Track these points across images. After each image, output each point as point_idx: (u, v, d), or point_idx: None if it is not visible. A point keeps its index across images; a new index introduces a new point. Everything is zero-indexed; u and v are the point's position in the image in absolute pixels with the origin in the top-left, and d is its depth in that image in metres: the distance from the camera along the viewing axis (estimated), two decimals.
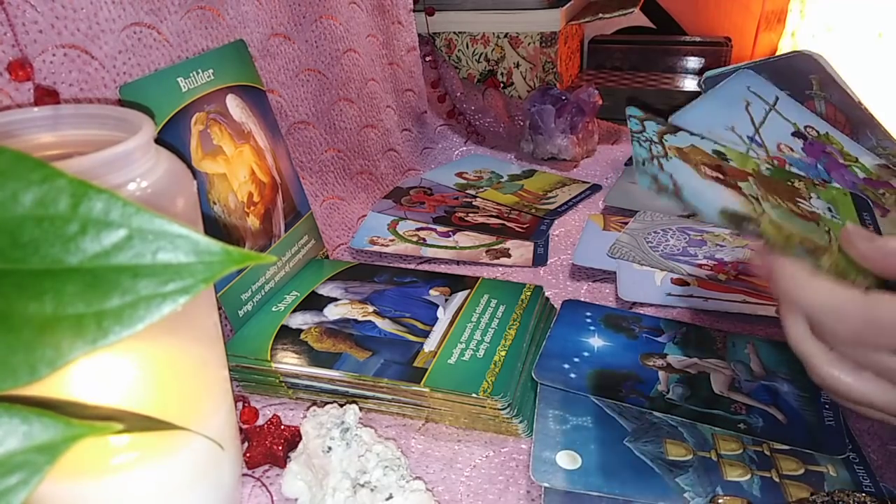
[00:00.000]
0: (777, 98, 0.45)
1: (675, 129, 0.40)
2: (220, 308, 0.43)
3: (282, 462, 0.38)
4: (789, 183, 0.39)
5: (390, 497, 0.33)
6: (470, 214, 0.67)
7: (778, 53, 0.51)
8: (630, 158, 0.79)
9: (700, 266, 0.55)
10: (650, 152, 0.39)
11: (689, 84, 1.04)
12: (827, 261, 0.35)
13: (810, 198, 0.39)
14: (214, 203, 0.44)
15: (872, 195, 0.41)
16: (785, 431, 0.38)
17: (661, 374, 0.43)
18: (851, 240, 0.33)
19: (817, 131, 0.43)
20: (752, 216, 0.36)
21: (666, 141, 0.39)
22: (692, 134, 0.40)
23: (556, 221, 0.66)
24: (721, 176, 0.38)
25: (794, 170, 0.42)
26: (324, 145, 0.65)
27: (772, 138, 0.43)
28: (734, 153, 0.40)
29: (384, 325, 0.46)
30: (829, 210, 0.39)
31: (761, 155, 0.42)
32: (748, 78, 0.46)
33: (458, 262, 0.59)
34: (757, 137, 0.43)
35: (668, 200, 0.39)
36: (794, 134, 0.43)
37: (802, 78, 0.47)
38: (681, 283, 0.54)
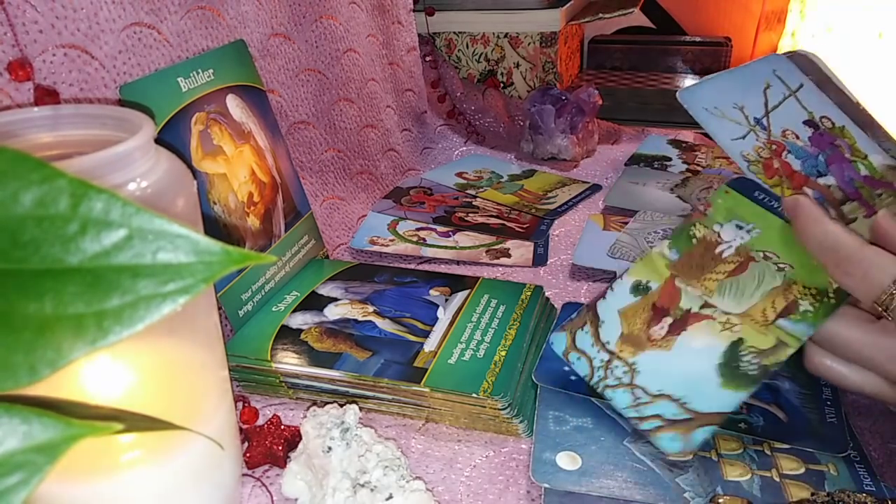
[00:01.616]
0: (801, 85, 0.45)
1: (597, 316, 0.40)
2: (220, 308, 0.43)
3: (282, 462, 0.38)
4: (694, 239, 0.39)
5: (390, 497, 0.33)
6: (470, 214, 0.67)
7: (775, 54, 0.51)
8: (630, 158, 0.79)
9: None
10: (630, 394, 0.37)
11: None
12: (802, 297, 0.36)
13: (717, 234, 0.39)
14: (214, 203, 0.44)
15: (866, 194, 0.41)
16: (786, 430, 0.38)
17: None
18: (815, 217, 0.35)
19: (833, 123, 0.43)
20: (735, 347, 0.36)
21: (605, 340, 0.39)
22: (607, 295, 0.40)
23: (556, 221, 0.66)
24: (669, 320, 0.38)
25: (789, 158, 0.41)
26: (324, 145, 0.65)
27: (780, 124, 0.43)
28: (642, 269, 0.40)
29: (384, 325, 0.46)
30: (739, 227, 0.39)
31: (761, 137, 0.42)
32: (778, 62, 0.46)
33: (458, 262, 0.59)
34: (764, 120, 0.42)
35: (706, 437, 0.36)
36: (806, 122, 0.43)
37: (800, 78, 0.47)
38: None
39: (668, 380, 0.37)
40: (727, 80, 0.45)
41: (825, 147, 0.41)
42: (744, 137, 0.42)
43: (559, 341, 0.40)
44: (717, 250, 0.39)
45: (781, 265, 0.37)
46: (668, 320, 0.38)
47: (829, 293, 0.36)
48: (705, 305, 0.38)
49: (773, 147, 0.41)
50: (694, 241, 0.39)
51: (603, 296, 0.40)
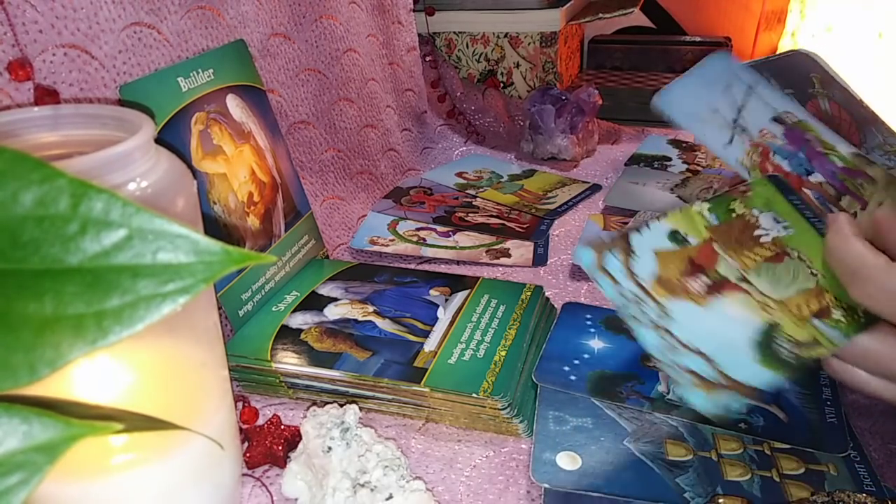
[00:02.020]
0: (756, 81, 0.44)
1: (629, 246, 0.37)
2: (220, 308, 0.43)
3: (282, 462, 0.38)
4: (733, 213, 0.38)
5: (390, 497, 0.33)
6: (470, 214, 0.67)
7: (775, 53, 0.50)
8: (630, 158, 0.79)
9: None
10: (656, 333, 0.35)
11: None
12: (835, 307, 0.34)
13: (756, 217, 0.37)
14: (214, 203, 0.44)
15: (851, 185, 0.40)
16: (786, 430, 0.38)
17: (661, 374, 0.43)
18: (842, 233, 0.33)
19: (795, 118, 0.42)
20: (772, 327, 0.34)
21: (637, 274, 0.36)
22: (642, 231, 0.37)
23: (556, 221, 0.66)
24: (707, 280, 0.36)
25: (776, 159, 0.41)
26: (324, 145, 0.65)
27: (754, 123, 0.42)
28: (680, 220, 0.38)
29: (384, 325, 0.46)
30: (776, 220, 0.37)
31: (745, 140, 0.41)
32: (725, 59, 0.45)
33: (458, 262, 0.59)
34: (740, 121, 0.42)
35: (733, 400, 0.33)
36: (774, 119, 0.42)
37: (803, 77, 0.47)
38: None
39: (702, 336, 0.34)
40: (691, 83, 0.44)
41: (800, 143, 0.41)
42: (731, 142, 0.41)
43: (586, 255, 0.37)
44: (756, 233, 0.37)
45: (814, 271, 0.36)
46: (706, 279, 0.36)
47: (859, 311, 0.34)
48: (743, 280, 0.36)
49: (760, 149, 0.41)
50: (733, 215, 0.38)
51: (637, 229, 0.37)
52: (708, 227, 0.37)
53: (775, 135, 0.41)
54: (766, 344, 0.34)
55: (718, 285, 0.36)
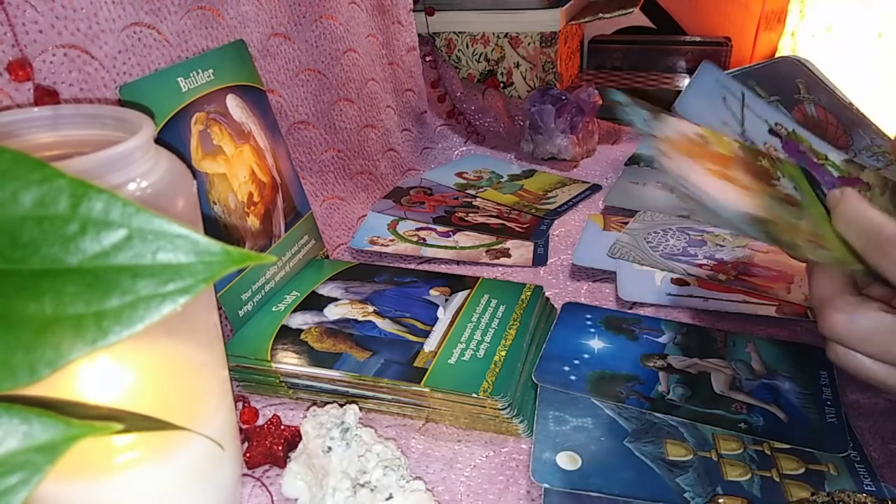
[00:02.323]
0: (744, 94, 0.44)
1: (659, 113, 0.39)
2: (220, 308, 0.43)
3: (282, 462, 0.38)
4: (759, 163, 0.39)
5: (390, 497, 0.33)
6: (470, 214, 0.67)
7: (763, 60, 0.50)
8: (630, 158, 0.79)
9: (700, 266, 0.55)
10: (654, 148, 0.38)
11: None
12: (827, 249, 0.35)
13: (778, 178, 0.39)
14: (214, 203, 0.44)
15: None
16: (786, 430, 0.38)
17: (661, 374, 0.43)
18: (856, 200, 0.34)
19: (787, 129, 0.42)
20: (767, 221, 0.36)
21: (662, 130, 0.39)
22: (677, 116, 0.39)
23: (556, 221, 0.66)
24: (726, 173, 0.38)
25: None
26: (324, 145, 0.65)
27: (758, 137, 0.42)
28: (711, 134, 0.39)
29: (384, 325, 0.46)
30: (795, 189, 0.39)
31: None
32: (712, 71, 0.45)
33: (458, 262, 0.59)
34: (747, 133, 0.42)
35: (685, 207, 0.37)
36: (770, 132, 0.42)
37: (789, 83, 0.46)
38: (681, 283, 0.54)
39: (691, 180, 0.36)
40: (695, 96, 0.44)
41: (797, 155, 0.41)
42: None
43: (620, 96, 0.39)
44: (772, 181, 0.38)
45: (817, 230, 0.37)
46: (715, 168, 0.38)
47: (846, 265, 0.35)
48: (751, 189, 0.37)
49: (746, 140, 0.41)
50: (761, 161, 0.39)
51: (672, 112, 0.40)
52: (733, 151, 0.39)
53: (777, 148, 0.41)
54: (757, 219, 0.35)
55: (725, 176, 0.37)
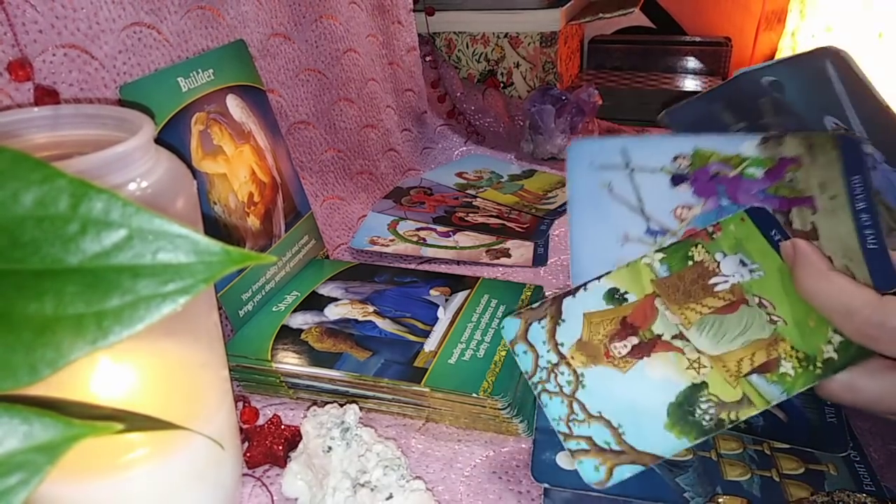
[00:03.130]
0: (624, 148, 0.38)
1: (559, 312, 0.36)
2: (220, 308, 0.43)
3: (282, 462, 0.38)
4: (690, 261, 0.36)
5: (390, 497, 0.33)
6: (470, 214, 0.67)
7: (722, 82, 0.45)
8: None
9: None
10: (562, 402, 0.34)
11: (690, 84, 1.04)
12: (786, 358, 0.33)
13: (719, 265, 0.35)
14: (215, 203, 0.44)
15: (785, 191, 0.37)
16: (786, 430, 0.38)
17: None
18: (816, 269, 0.32)
19: (687, 158, 0.38)
20: (695, 390, 0.33)
21: (560, 344, 0.35)
22: (578, 293, 0.36)
23: (556, 221, 0.66)
24: (634, 341, 0.35)
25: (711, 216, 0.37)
26: (324, 145, 0.65)
27: (662, 209, 0.37)
28: (625, 276, 0.36)
29: (384, 325, 0.46)
30: (743, 263, 0.35)
31: (667, 242, 0.37)
32: (581, 155, 0.39)
33: (458, 262, 0.59)
34: (651, 224, 0.38)
35: (629, 473, 0.33)
36: (673, 181, 0.38)
37: (753, 105, 0.42)
38: None
39: (611, 403, 0.34)
40: (580, 215, 0.39)
41: (711, 190, 0.37)
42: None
43: (511, 327, 0.37)
44: (711, 281, 0.35)
45: (775, 317, 0.34)
46: (634, 340, 0.35)
47: (816, 362, 0.33)
48: (678, 336, 0.35)
49: (672, 240, 0.38)
50: (690, 262, 0.36)
51: (573, 293, 0.37)
52: (654, 280, 0.36)
53: (689, 206, 0.37)
54: (683, 406, 0.33)
55: (647, 346, 0.35)
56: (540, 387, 0.35)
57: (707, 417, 0.33)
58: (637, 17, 1.19)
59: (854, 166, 0.36)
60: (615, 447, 0.33)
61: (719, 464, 0.36)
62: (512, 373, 0.41)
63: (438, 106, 0.87)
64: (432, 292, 0.50)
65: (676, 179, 0.38)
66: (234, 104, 0.48)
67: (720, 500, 0.34)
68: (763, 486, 0.35)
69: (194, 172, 0.43)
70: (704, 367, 0.34)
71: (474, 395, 0.39)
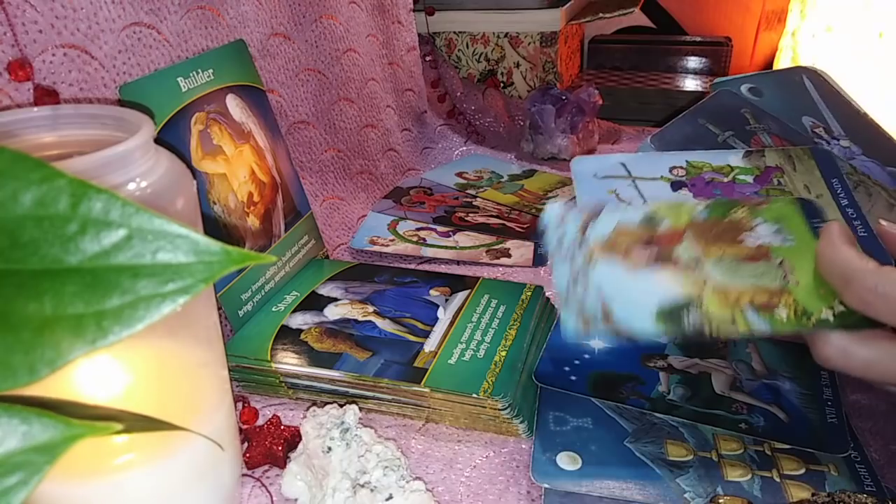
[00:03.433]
0: (624, 164, 0.41)
1: (598, 213, 0.38)
2: (220, 308, 0.43)
3: (282, 462, 0.38)
4: (732, 215, 0.38)
5: (390, 497, 0.33)
6: (470, 214, 0.67)
7: (705, 97, 0.48)
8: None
9: None
10: (571, 268, 0.36)
11: (690, 84, 1.04)
12: (784, 306, 0.34)
13: (754, 227, 0.37)
14: (214, 203, 0.44)
15: (778, 192, 0.39)
16: (787, 430, 0.38)
17: (662, 374, 0.43)
18: (831, 240, 0.33)
19: (682, 169, 0.41)
20: (690, 301, 0.35)
21: (588, 236, 0.37)
22: (619, 206, 0.38)
23: None
24: (655, 251, 0.37)
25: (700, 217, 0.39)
26: (324, 145, 0.65)
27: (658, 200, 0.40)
28: (667, 209, 0.38)
29: (384, 325, 0.46)
30: (779, 231, 0.37)
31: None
32: (584, 171, 0.42)
33: (458, 262, 0.59)
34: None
35: (601, 336, 0.35)
36: (672, 186, 0.40)
37: (735, 115, 0.45)
38: None
39: (611, 285, 0.35)
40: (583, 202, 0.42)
41: (708, 190, 0.40)
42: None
43: (554, 210, 0.38)
44: (741, 237, 0.37)
45: (790, 278, 0.35)
46: (654, 252, 0.37)
47: (811, 318, 0.34)
48: (695, 263, 0.36)
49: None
50: (728, 217, 0.38)
51: (615, 201, 0.39)
52: (691, 220, 0.38)
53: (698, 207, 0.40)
54: (674, 311, 0.35)
55: (663, 259, 0.36)
56: (557, 250, 0.37)
57: (690, 322, 0.34)
58: (637, 17, 1.19)
59: (830, 171, 0.40)
60: (600, 321, 0.35)
61: (720, 464, 0.36)
62: (512, 373, 0.41)
63: (438, 106, 0.87)
64: (432, 292, 0.49)
65: (675, 185, 0.41)
66: (233, 104, 0.48)
67: (721, 500, 0.34)
68: (764, 486, 0.35)
69: (194, 172, 0.43)
70: (706, 287, 0.35)
71: (474, 395, 0.39)
